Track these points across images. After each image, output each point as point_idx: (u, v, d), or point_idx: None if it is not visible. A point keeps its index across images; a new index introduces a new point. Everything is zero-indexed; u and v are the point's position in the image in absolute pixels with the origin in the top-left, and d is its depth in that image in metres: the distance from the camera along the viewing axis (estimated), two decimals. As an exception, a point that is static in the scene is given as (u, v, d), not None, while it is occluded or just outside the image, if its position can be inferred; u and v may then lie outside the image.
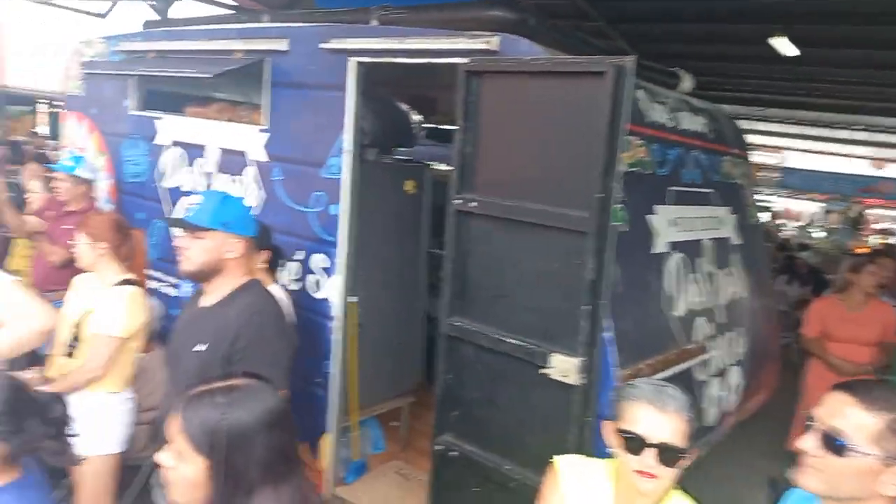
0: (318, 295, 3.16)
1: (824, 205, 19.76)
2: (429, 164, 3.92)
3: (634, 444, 1.50)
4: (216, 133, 3.58)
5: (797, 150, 17.17)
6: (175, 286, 3.84)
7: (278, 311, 2.17)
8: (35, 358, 2.97)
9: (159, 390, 3.53)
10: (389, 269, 3.58)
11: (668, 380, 2.05)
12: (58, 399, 1.78)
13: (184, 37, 3.84)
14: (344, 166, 3.00)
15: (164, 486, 2.25)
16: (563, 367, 2.28)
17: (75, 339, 2.82)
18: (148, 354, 3.31)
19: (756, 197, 4.50)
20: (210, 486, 1.27)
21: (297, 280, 3.22)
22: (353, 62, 2.92)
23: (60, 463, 1.74)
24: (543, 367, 2.32)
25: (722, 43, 6.77)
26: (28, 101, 12.80)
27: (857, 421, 1.24)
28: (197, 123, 3.70)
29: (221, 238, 2.03)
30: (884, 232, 17.38)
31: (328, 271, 3.13)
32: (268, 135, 3.33)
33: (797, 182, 19.02)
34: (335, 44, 2.95)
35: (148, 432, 3.51)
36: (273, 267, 2.91)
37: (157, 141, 3.87)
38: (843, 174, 18.09)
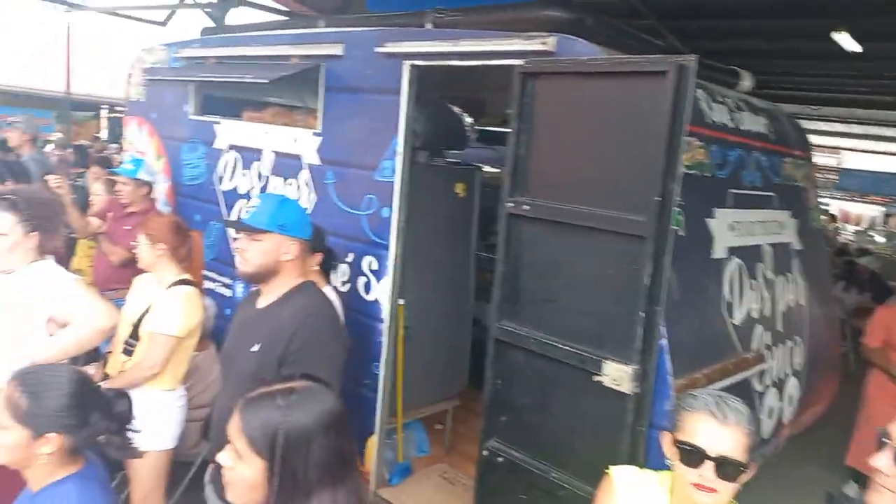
0: (368, 297, 3.18)
1: (884, 208, 18.88)
2: (479, 167, 3.90)
3: (693, 456, 1.46)
4: (271, 137, 3.65)
5: (857, 150, 16.48)
6: (229, 286, 3.93)
7: (332, 313, 2.18)
8: (94, 354, 3.08)
9: (212, 388, 3.62)
10: (438, 272, 3.57)
11: (725, 390, 1.98)
12: (122, 395, 1.83)
13: (241, 43, 3.93)
14: (396, 169, 3.01)
15: (216, 483, 2.31)
16: (617, 375, 2.22)
17: (134, 337, 2.91)
18: (201, 353, 3.39)
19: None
20: (268, 487, 1.28)
21: (346, 282, 3.25)
22: (407, 65, 2.94)
23: (122, 457, 1.79)
24: (596, 375, 2.27)
25: (779, 39, 6.54)
26: (92, 107, 13.36)
27: None
28: (253, 128, 3.78)
29: (278, 240, 2.05)
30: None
31: (378, 273, 3.14)
32: (321, 138, 3.38)
33: (856, 184, 18.22)
34: (390, 47, 2.97)
35: (199, 429, 3.60)
36: (326, 269, 2.94)
37: (215, 145, 3.97)
38: (906, 176, 17.29)
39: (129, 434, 1.80)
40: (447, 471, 3.57)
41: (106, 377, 2.87)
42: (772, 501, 3.12)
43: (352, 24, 3.74)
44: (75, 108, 11.72)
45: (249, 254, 2.05)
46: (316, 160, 3.40)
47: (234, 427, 1.33)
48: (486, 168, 4.32)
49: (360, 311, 3.15)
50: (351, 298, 3.16)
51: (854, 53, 6.07)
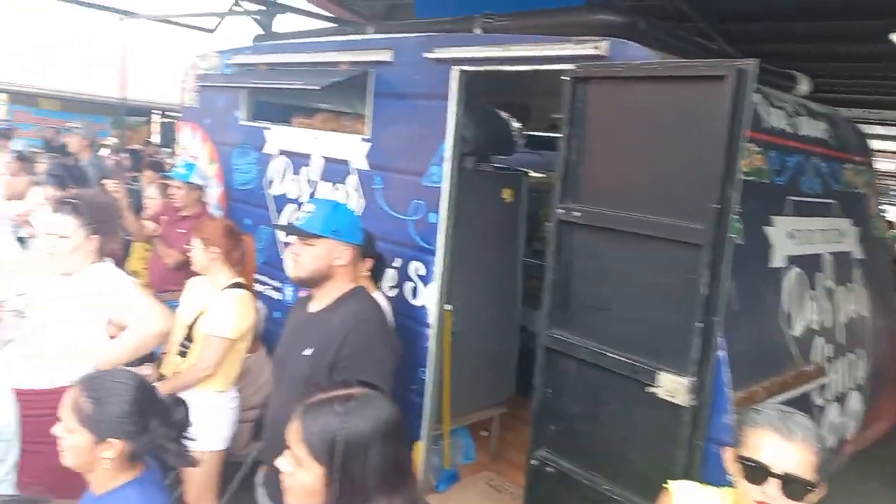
0: (415, 302, 3.19)
1: (948, 216, 18.02)
2: (526, 172, 3.87)
3: (757, 473, 1.41)
4: (321, 142, 3.69)
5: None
6: (278, 290, 3.99)
7: (383, 318, 2.19)
8: (149, 355, 3.16)
9: (262, 390, 3.67)
10: (485, 277, 3.56)
11: (786, 404, 1.91)
12: (180, 402, 1.87)
13: (291, 50, 4.00)
14: (444, 175, 3.01)
15: (269, 486, 2.34)
16: (672, 387, 2.17)
17: (188, 339, 2.97)
18: (252, 355, 3.44)
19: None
20: (326, 493, 1.29)
21: (394, 287, 3.26)
22: (455, 71, 2.94)
23: (179, 464, 1.82)
24: (649, 386, 2.23)
25: (835, 41, 6.30)
26: (144, 112, 13.79)
27: None
28: (303, 133, 3.84)
29: (332, 245, 2.07)
30: None
31: (425, 279, 3.15)
32: (370, 144, 3.40)
33: (918, 190, 17.47)
34: (439, 53, 2.97)
35: (249, 430, 3.66)
36: (376, 275, 2.96)
37: (266, 150, 4.04)
38: (971, 182, 16.49)
39: (186, 442, 1.84)
40: (494, 478, 3.55)
41: (161, 378, 2.94)
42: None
43: (400, 30, 3.76)
44: (129, 114, 12.11)
45: (303, 258, 2.08)
46: (364, 165, 3.43)
47: (294, 433, 1.35)
48: (531, 173, 4.28)
49: (406, 316, 3.16)
50: (398, 303, 3.17)
51: (916, 55, 5.81)
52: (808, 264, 2.89)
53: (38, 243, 3.70)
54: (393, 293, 3.24)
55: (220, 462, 2.98)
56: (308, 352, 2.12)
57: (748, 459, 1.43)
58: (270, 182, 4.01)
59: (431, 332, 3.11)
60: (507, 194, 3.58)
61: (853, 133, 3.80)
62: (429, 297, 3.12)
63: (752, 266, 2.52)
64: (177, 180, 4.13)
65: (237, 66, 4.33)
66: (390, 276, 3.26)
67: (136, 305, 2.58)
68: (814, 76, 3.82)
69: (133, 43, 10.45)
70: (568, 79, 2.45)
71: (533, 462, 2.60)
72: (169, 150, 10.70)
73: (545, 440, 2.59)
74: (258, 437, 3.60)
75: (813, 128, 3.21)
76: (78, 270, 2.60)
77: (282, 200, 3.94)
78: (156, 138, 14.52)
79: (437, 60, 3.01)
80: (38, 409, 2.38)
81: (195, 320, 2.96)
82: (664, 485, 1.64)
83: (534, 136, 5.18)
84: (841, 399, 3.02)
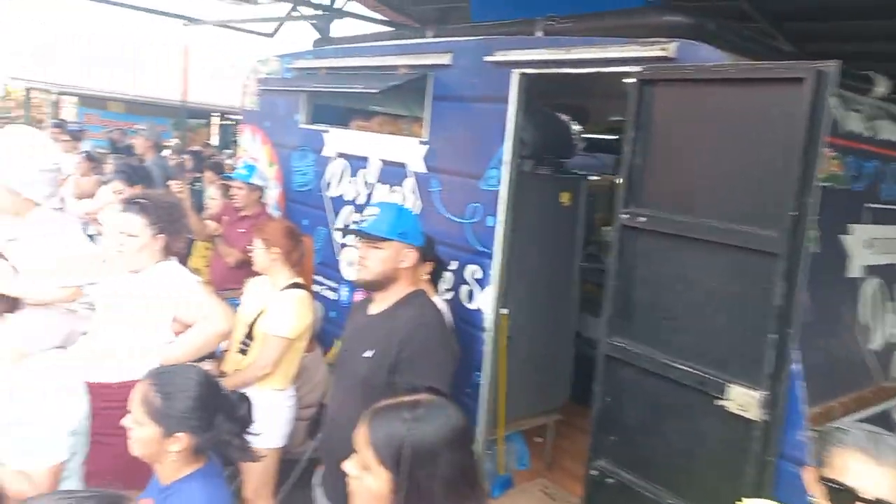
0: (471, 306, 3.17)
1: None
2: (585, 176, 3.81)
3: (843, 497, 1.34)
4: (378, 145, 3.72)
5: None
6: (334, 290, 4.03)
7: (443, 322, 2.19)
8: (209, 352, 3.23)
9: (318, 389, 3.72)
10: (542, 282, 3.52)
11: (864, 422, 1.81)
12: (244, 399, 1.90)
13: (351, 54, 4.04)
14: (502, 178, 2.99)
15: (326, 486, 2.36)
16: (743, 400, 2.09)
17: (248, 337, 3.03)
18: (309, 354, 3.49)
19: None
20: (393, 500, 1.28)
21: (449, 290, 3.25)
22: (516, 74, 2.91)
23: (241, 459, 1.85)
24: (718, 398, 2.14)
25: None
26: (204, 114, 14.21)
27: None
28: (361, 136, 3.87)
29: (398, 248, 2.08)
30: None
31: (481, 282, 3.12)
32: (427, 147, 3.40)
33: None
34: (499, 56, 2.95)
35: (305, 428, 3.71)
36: (435, 278, 2.95)
37: (324, 153, 4.09)
38: None
39: (249, 437, 1.87)
40: (548, 486, 3.50)
41: (222, 375, 3.00)
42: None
43: (459, 33, 3.75)
44: (189, 116, 12.50)
45: (370, 261, 2.09)
46: (422, 168, 3.43)
47: (361, 437, 1.34)
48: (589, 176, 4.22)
49: (462, 319, 3.14)
50: (453, 307, 3.15)
51: None
52: (889, 274, 2.75)
53: (107, 241, 3.84)
54: (449, 296, 3.23)
55: (277, 459, 3.03)
56: (368, 354, 2.13)
57: (834, 482, 1.36)
58: (328, 184, 4.06)
59: (487, 336, 3.09)
60: (565, 198, 3.53)
61: (935, 137, 3.59)
62: (485, 301, 3.10)
63: (828, 276, 2.41)
64: (238, 181, 4.23)
65: (297, 70, 4.40)
66: (446, 278, 3.25)
67: (200, 304, 2.64)
68: (891, 77, 3.63)
69: (195, 47, 10.78)
70: (634, 81, 2.39)
71: (592, 472, 2.54)
72: (228, 151, 10.99)
73: (605, 450, 2.53)
74: (313, 435, 3.66)
75: (892, 132, 3.05)
76: (145, 268, 2.68)
77: (339, 202, 3.98)
78: (214, 140, 14.96)
79: (497, 63, 2.99)
80: (105, 402, 2.46)
81: (255, 319, 3.02)
82: (738, 502, 1.57)
83: (590, 138, 5.11)
84: (921, 418, 2.86)
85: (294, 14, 8.14)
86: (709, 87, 2.24)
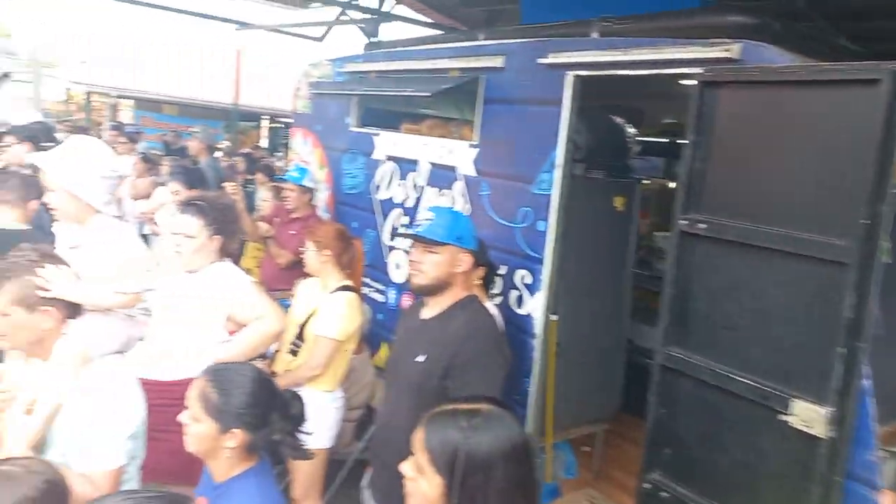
0: (520, 311, 3.13)
1: None
2: (639, 180, 3.73)
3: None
4: (428, 148, 3.71)
5: None
6: (382, 292, 4.05)
7: (496, 328, 2.16)
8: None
9: (365, 390, 3.74)
10: (593, 288, 3.45)
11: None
12: (297, 397, 1.91)
13: (402, 57, 4.06)
14: (555, 182, 2.94)
15: (374, 489, 2.36)
16: (808, 416, 2.00)
17: (299, 338, 3.06)
18: (357, 356, 3.51)
19: None
20: None
21: (498, 294, 3.22)
22: (570, 76, 2.86)
23: (294, 457, 1.86)
24: (781, 413, 2.06)
25: None
26: (254, 117, 14.51)
27: None
28: (410, 139, 3.88)
29: (453, 253, 2.07)
30: None
31: (531, 288, 3.09)
32: (477, 150, 3.38)
33: None
34: (553, 58, 2.91)
35: (352, 430, 3.73)
36: (487, 283, 2.93)
37: (374, 156, 4.12)
38: None
39: (302, 436, 1.88)
40: (595, 496, 3.43)
41: (273, 375, 3.04)
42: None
43: (511, 35, 3.73)
44: (240, 119, 12.78)
45: (425, 266, 2.08)
46: (471, 171, 3.41)
47: (418, 440, 1.35)
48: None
49: (511, 324, 3.10)
50: (502, 311, 3.11)
51: None
52: (965, 287, 2.60)
53: (164, 242, 3.94)
54: (497, 301, 3.20)
55: (325, 460, 3.05)
56: (421, 358, 2.12)
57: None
58: (377, 187, 4.08)
59: (537, 343, 3.05)
60: (618, 202, 3.46)
61: None
62: (534, 307, 3.06)
63: (900, 288, 2.29)
64: (290, 183, 4.29)
65: (349, 73, 4.44)
66: (496, 283, 3.22)
67: (254, 305, 2.68)
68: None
69: (246, 51, 11.01)
70: (695, 83, 2.32)
71: (645, 485, 2.48)
72: (278, 154, 11.19)
73: (659, 463, 2.46)
74: (360, 436, 3.68)
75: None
76: (201, 269, 2.74)
77: (388, 205, 4.00)
78: (264, 142, 15.26)
79: (551, 65, 2.95)
80: (160, 399, 2.51)
81: (306, 321, 3.05)
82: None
83: (641, 141, 5.02)
84: None
85: (343, 18, 8.23)
86: (776, 90, 2.16)
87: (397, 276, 3.93)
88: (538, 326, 3.05)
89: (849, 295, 1.93)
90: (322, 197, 4.65)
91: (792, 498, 2.04)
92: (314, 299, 3.10)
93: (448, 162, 3.56)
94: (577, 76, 2.87)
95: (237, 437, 1.67)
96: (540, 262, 3.02)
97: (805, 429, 2.01)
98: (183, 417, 1.70)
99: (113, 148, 2.90)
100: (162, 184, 5.56)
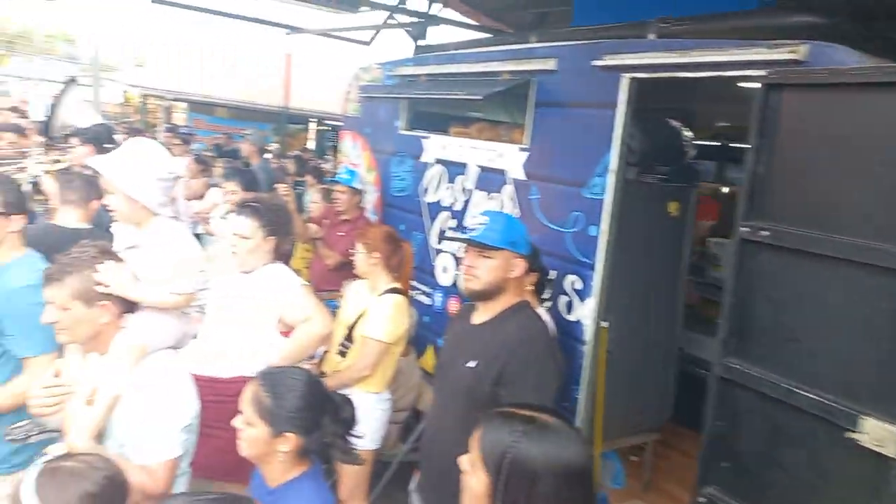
0: (569, 317, 3.08)
1: None
2: (695, 185, 3.63)
3: None
4: (477, 151, 3.70)
5: None
6: (428, 295, 4.05)
7: (548, 335, 2.13)
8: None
9: (411, 393, 3.74)
10: (645, 295, 3.38)
11: None
12: (347, 400, 1.91)
13: (452, 60, 4.05)
14: (608, 186, 2.89)
15: (423, 492, 2.35)
16: (879, 435, 1.90)
17: (348, 339, 3.08)
18: (404, 358, 3.52)
19: None
20: None
21: (547, 300, 3.18)
22: (625, 79, 2.81)
23: (345, 461, 1.86)
24: (850, 431, 1.96)
25: None
26: (302, 120, 14.76)
27: None
28: (459, 142, 3.87)
29: (507, 257, 2.04)
30: None
31: (581, 293, 3.03)
32: (527, 153, 3.35)
33: None
34: (608, 60, 2.86)
35: (398, 432, 3.74)
36: (539, 289, 2.89)
37: (422, 159, 4.12)
38: None
39: (352, 439, 1.88)
40: (644, 508, 3.36)
41: (321, 376, 3.07)
42: None
43: (563, 38, 3.68)
44: (289, 122, 13.01)
45: (479, 270, 2.06)
46: (521, 175, 3.38)
47: (475, 436, 1.35)
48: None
49: (561, 330, 3.05)
50: (552, 317, 3.08)
51: None
52: None
53: (219, 242, 4.03)
54: (546, 305, 3.16)
55: (371, 461, 3.06)
56: (472, 364, 2.10)
57: None
58: (425, 189, 4.09)
59: (586, 350, 3.00)
60: (672, 208, 3.38)
61: None
62: (584, 313, 3.01)
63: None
64: (340, 185, 4.33)
65: (399, 77, 4.46)
66: (548, 289, 3.18)
67: (303, 307, 2.71)
68: None
69: (295, 54, 11.20)
70: (759, 86, 2.24)
71: (701, 500, 2.40)
72: (325, 156, 11.35)
73: (715, 477, 2.38)
74: (406, 438, 3.69)
75: None
76: (255, 269, 2.78)
77: (436, 208, 4.00)
78: (311, 145, 15.50)
79: (606, 68, 2.90)
80: (214, 395, 2.56)
81: (355, 322, 3.07)
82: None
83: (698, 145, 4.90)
84: None
85: (390, 21, 8.29)
86: (845, 92, 2.06)
87: (444, 279, 3.93)
88: (588, 333, 2.99)
89: (925, 308, 1.83)
90: (370, 199, 4.68)
91: (859, 520, 1.94)
92: (363, 301, 3.11)
93: (497, 165, 3.53)
94: (632, 79, 2.81)
95: (290, 440, 1.67)
96: (591, 267, 2.97)
97: (876, 448, 1.91)
98: (237, 422, 1.72)
99: (168, 149, 2.96)
100: (215, 185, 5.70)
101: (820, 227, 2.09)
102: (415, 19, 7.93)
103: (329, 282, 4.13)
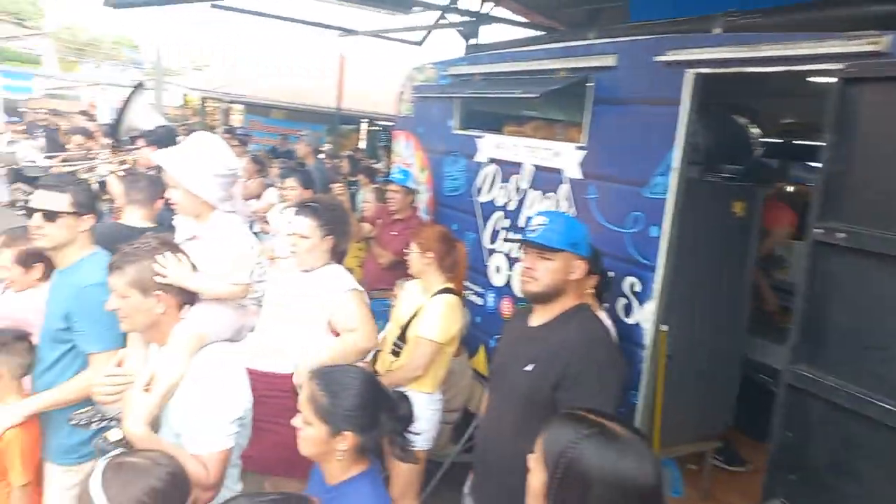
0: (628, 320, 3.01)
1: None
2: (763, 184, 3.49)
3: None
4: (532, 151, 3.65)
5: None
6: (480, 295, 4.02)
7: (610, 339, 2.08)
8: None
9: (462, 393, 3.73)
10: (707, 299, 3.26)
11: None
12: (404, 398, 1.90)
13: (507, 59, 4.01)
14: (670, 185, 2.80)
15: (478, 493, 2.32)
16: (968, 451, 1.78)
17: (401, 339, 3.08)
18: (456, 359, 3.50)
19: None
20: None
21: (604, 302, 3.10)
22: (690, 74, 2.72)
23: (403, 459, 1.85)
24: (935, 446, 1.85)
25: None
26: (353, 120, 14.94)
27: None
28: (514, 141, 3.83)
29: (568, 259, 2.00)
30: None
31: (640, 296, 2.95)
32: (584, 152, 3.29)
33: None
34: (672, 56, 2.77)
35: (449, 432, 3.73)
36: (600, 294, 2.82)
37: (476, 158, 4.10)
38: None
39: (410, 437, 1.87)
40: (704, 518, 3.25)
41: (375, 373, 3.08)
42: None
43: (620, 33, 3.60)
44: (342, 122, 13.18)
45: (538, 272, 2.01)
46: (578, 174, 3.32)
47: (543, 432, 1.34)
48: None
49: (618, 334, 2.98)
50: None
51: None
52: None
53: (276, 240, 4.10)
54: (604, 307, 3.09)
55: (423, 460, 3.06)
56: (529, 367, 2.06)
57: None
58: (479, 189, 4.06)
59: (646, 354, 2.92)
60: (738, 208, 3.25)
61: None
62: (644, 316, 2.92)
63: None
64: (394, 184, 4.35)
65: (453, 76, 4.45)
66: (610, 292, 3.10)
67: (351, 316, 2.71)
68: None
69: (348, 55, 11.32)
70: (835, 80, 2.13)
71: (767, 512, 2.30)
72: (384, 156, 11.45)
73: (783, 489, 2.27)
74: (457, 439, 3.67)
75: None
76: (314, 269, 2.81)
77: (489, 207, 3.97)
78: (362, 145, 15.68)
79: (669, 63, 2.81)
80: (269, 390, 2.60)
81: (409, 322, 3.07)
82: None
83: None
84: None
85: (442, 21, 8.29)
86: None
87: (497, 279, 3.89)
88: (647, 337, 2.91)
89: None
90: (423, 199, 4.69)
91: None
92: (417, 301, 3.11)
93: (553, 164, 3.48)
94: (697, 74, 2.71)
95: (348, 439, 1.67)
96: (651, 269, 2.89)
97: (964, 465, 1.79)
98: (296, 421, 1.72)
99: (227, 150, 3.02)
100: (271, 185, 5.82)
101: (903, 229, 1.97)
102: (466, 18, 7.91)
103: (382, 281, 4.15)
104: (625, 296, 3.02)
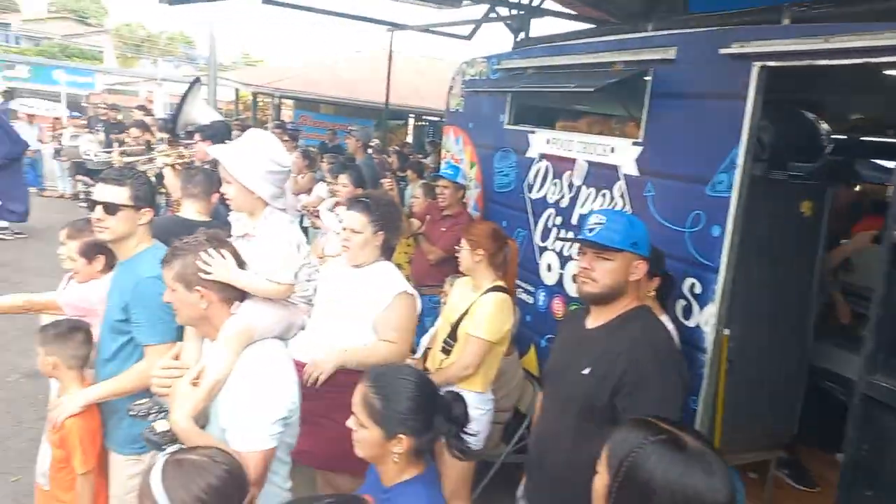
0: (688, 323, 2.90)
1: None
2: (835, 183, 3.31)
3: None
4: (585, 146, 3.56)
5: None
6: (531, 294, 3.96)
7: (673, 344, 1.99)
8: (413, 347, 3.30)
9: (514, 393, 3.67)
10: (772, 302, 3.11)
11: None
12: (458, 398, 1.86)
13: (561, 52, 3.92)
14: (734, 183, 2.68)
15: (531, 499, 2.27)
16: None
17: (452, 337, 3.05)
18: (507, 358, 3.45)
19: None
20: None
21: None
22: (756, 67, 2.59)
23: (461, 459, 1.81)
24: None
25: None
26: (401, 115, 14.98)
27: None
28: (567, 137, 3.74)
29: (628, 260, 1.92)
30: None
31: (700, 298, 2.84)
32: (641, 148, 3.18)
33: None
34: (738, 48, 2.64)
35: (500, 432, 3.67)
36: (662, 296, 2.73)
37: (528, 154, 4.02)
38: None
39: (467, 437, 1.83)
40: (765, 530, 3.12)
41: (425, 371, 3.05)
42: None
43: (679, 26, 3.47)
44: (390, 118, 13.22)
45: (597, 273, 1.94)
46: (634, 171, 3.22)
47: (612, 435, 1.31)
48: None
49: (679, 337, 2.88)
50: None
51: None
52: None
53: (326, 236, 4.11)
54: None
55: (474, 461, 3.02)
56: (586, 371, 1.99)
57: None
58: (530, 185, 3.99)
59: (706, 358, 2.80)
60: (805, 207, 3.09)
61: None
62: (705, 319, 2.81)
63: None
64: (444, 180, 4.32)
65: (504, 70, 4.38)
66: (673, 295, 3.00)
67: (392, 328, 2.70)
68: None
69: (397, 51, 11.34)
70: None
71: (839, 530, 2.19)
72: (425, 151, 11.45)
73: (856, 506, 2.16)
74: (508, 439, 3.62)
75: None
76: (365, 264, 2.80)
77: (540, 204, 3.90)
78: (409, 140, 15.71)
79: (735, 56, 2.68)
80: (322, 386, 2.60)
81: (459, 320, 3.03)
82: None
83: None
84: None
85: (491, 15, 8.20)
86: None
87: (548, 278, 3.82)
88: (708, 340, 2.80)
89: None
90: (472, 195, 4.64)
91: None
92: (467, 298, 3.07)
93: (608, 160, 3.38)
94: (764, 67, 2.59)
95: (402, 442, 1.64)
96: (713, 270, 2.78)
97: None
98: (350, 423, 1.70)
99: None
100: (321, 179, 5.86)
101: None
102: (516, 12, 7.80)
103: (430, 277, 4.12)
104: (685, 297, 2.92)
